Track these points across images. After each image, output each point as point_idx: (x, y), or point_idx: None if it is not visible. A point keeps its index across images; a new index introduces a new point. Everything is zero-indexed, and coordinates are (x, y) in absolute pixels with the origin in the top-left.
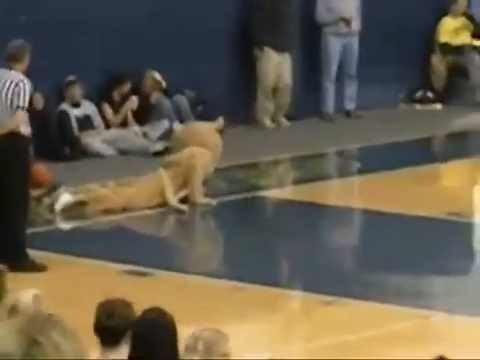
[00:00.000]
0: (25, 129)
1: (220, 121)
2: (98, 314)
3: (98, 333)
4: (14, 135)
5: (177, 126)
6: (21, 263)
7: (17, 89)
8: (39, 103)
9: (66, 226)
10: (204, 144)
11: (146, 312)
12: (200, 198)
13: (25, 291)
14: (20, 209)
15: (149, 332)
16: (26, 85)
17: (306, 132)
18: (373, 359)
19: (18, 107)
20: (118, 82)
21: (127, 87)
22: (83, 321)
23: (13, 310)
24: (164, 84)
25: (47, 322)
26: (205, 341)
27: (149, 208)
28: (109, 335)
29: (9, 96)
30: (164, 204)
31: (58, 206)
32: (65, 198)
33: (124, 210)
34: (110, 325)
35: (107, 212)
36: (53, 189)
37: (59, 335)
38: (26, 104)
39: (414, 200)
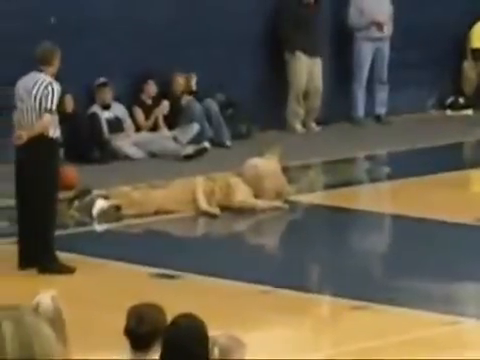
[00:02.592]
0: (53, 132)
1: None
2: (129, 319)
3: (128, 337)
4: (42, 138)
5: (253, 160)
6: (50, 265)
7: (46, 92)
8: (69, 106)
9: (99, 228)
10: (260, 184)
11: (178, 317)
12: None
13: (43, 293)
14: (49, 212)
15: (180, 338)
16: (55, 88)
17: (336, 137)
18: None
19: (46, 110)
20: (144, 83)
21: (153, 88)
22: (113, 324)
23: (35, 312)
24: (194, 87)
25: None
26: (221, 347)
27: (181, 212)
28: (139, 340)
29: (38, 99)
30: (196, 209)
31: (95, 211)
32: (100, 204)
33: (156, 213)
34: (140, 330)
35: (140, 215)
36: (85, 193)
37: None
38: (54, 107)
39: (444, 206)
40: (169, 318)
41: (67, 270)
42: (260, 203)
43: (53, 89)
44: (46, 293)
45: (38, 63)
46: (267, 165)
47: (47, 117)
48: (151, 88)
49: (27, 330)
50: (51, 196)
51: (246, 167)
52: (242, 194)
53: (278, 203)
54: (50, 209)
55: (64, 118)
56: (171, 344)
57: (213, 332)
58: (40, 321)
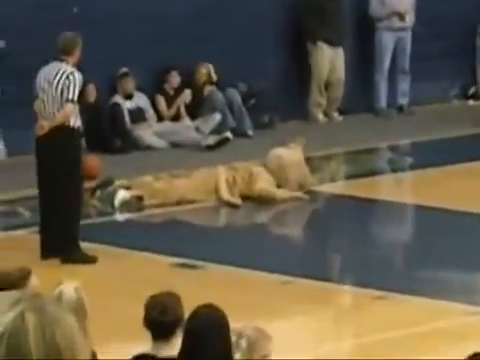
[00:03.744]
0: (75, 121)
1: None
2: (149, 309)
3: (150, 327)
4: (64, 128)
5: (277, 150)
6: (73, 255)
7: (67, 82)
8: (92, 95)
9: (121, 218)
10: (283, 174)
11: (199, 308)
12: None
13: (67, 283)
14: (73, 202)
15: (201, 328)
16: (76, 78)
17: (358, 127)
18: (422, 358)
19: (68, 100)
20: (167, 73)
21: (176, 79)
22: (135, 314)
23: (56, 301)
24: (214, 77)
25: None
26: (249, 339)
27: (203, 201)
28: (162, 329)
29: (59, 88)
30: (218, 199)
31: (117, 202)
32: (122, 194)
33: (178, 203)
34: (164, 320)
35: (162, 205)
36: (107, 183)
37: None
38: (76, 97)
39: (466, 196)
40: (187, 308)
41: (90, 260)
42: (281, 193)
43: (75, 79)
44: (69, 283)
45: (59, 53)
46: (291, 155)
47: (69, 107)
48: (174, 79)
49: (50, 320)
50: (75, 186)
51: (270, 157)
52: (264, 183)
53: (299, 194)
54: (75, 199)
55: (86, 108)
56: (192, 334)
57: (235, 322)
58: (63, 311)
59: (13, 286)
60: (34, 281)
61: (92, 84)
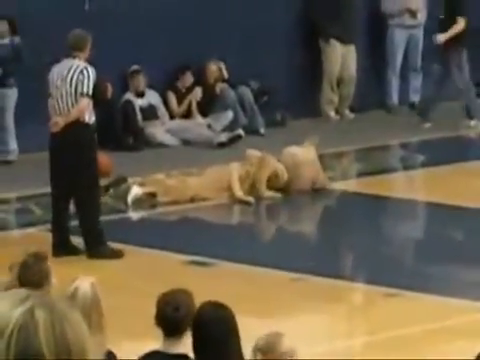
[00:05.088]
0: (89, 117)
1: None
2: (163, 306)
3: (163, 324)
4: (79, 124)
5: (291, 148)
6: (100, 250)
7: (81, 76)
8: (109, 91)
9: (134, 216)
10: (297, 172)
11: (203, 305)
12: (265, 191)
13: (82, 278)
14: (95, 198)
15: (204, 325)
16: (90, 72)
17: (370, 124)
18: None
19: (82, 94)
20: (181, 73)
21: (189, 79)
22: (147, 311)
23: (72, 297)
24: (226, 74)
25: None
26: (261, 351)
27: (216, 199)
28: (174, 326)
29: (73, 84)
30: (231, 196)
31: (130, 198)
32: (135, 191)
33: (192, 200)
34: (177, 317)
35: (175, 203)
36: (120, 181)
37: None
38: (90, 91)
39: (478, 194)
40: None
41: (116, 255)
42: (264, 190)
43: (89, 73)
44: (85, 279)
45: (70, 49)
46: (305, 154)
47: (84, 101)
48: (188, 79)
49: (59, 317)
50: (96, 182)
51: (284, 155)
52: (264, 174)
53: (272, 193)
54: (96, 195)
55: (98, 105)
56: (196, 331)
57: (246, 319)
58: (72, 308)
59: (29, 268)
60: (49, 264)
61: (108, 81)
